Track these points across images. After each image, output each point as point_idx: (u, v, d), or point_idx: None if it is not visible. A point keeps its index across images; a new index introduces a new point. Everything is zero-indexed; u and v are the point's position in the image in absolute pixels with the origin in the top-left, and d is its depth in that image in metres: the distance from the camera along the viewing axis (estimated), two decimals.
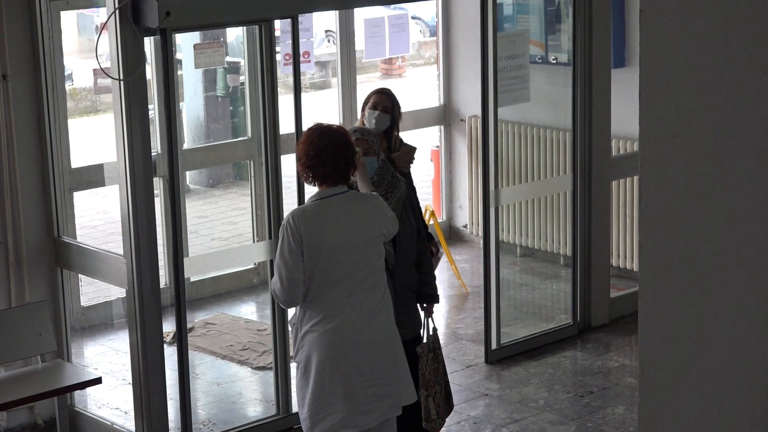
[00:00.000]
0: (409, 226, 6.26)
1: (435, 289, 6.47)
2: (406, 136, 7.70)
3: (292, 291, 5.46)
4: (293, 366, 6.03)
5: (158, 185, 8.69)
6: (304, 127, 6.01)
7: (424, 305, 6.43)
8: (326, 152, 5.49)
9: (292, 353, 5.85)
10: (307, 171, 5.55)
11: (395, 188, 6.25)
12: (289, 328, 5.86)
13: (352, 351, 5.49)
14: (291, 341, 5.79)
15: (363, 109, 7.27)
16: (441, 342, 8.67)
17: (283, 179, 7.20)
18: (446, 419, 6.48)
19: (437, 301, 6.51)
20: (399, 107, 7.32)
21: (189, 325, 8.29)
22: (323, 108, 13.68)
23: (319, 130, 5.59)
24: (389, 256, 6.07)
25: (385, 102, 7.20)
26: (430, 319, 6.45)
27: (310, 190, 5.75)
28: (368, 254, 5.56)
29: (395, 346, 5.67)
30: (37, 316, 6.94)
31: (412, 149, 7.25)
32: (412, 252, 6.28)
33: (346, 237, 5.49)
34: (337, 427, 5.49)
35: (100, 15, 12.37)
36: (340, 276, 5.48)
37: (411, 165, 7.22)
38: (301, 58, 7.63)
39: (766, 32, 2.46)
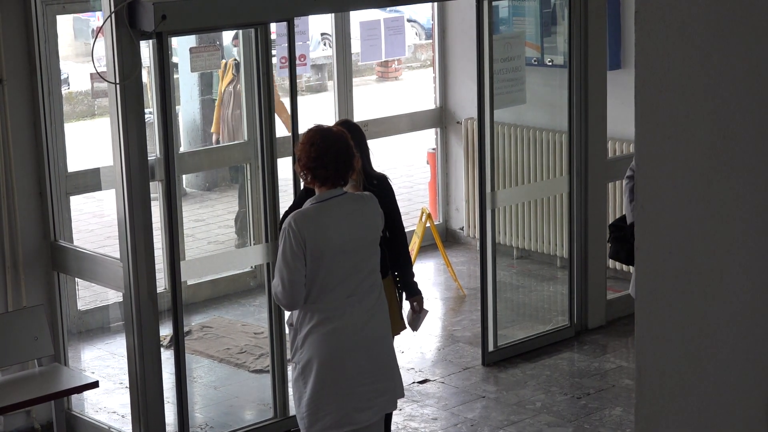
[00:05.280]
0: None
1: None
2: (403, 139, 7.64)
3: (294, 294, 5.47)
4: (290, 368, 6.03)
5: (155, 189, 8.70)
6: (301, 130, 6.00)
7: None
8: (328, 155, 5.50)
9: (290, 354, 5.86)
10: (307, 172, 5.55)
11: None
12: (287, 329, 5.86)
13: (353, 350, 5.53)
14: (288, 342, 5.80)
15: None
16: (438, 344, 8.70)
17: (280, 182, 7.21)
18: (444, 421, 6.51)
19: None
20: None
21: (186, 329, 8.30)
22: (319, 111, 13.67)
23: (321, 132, 5.59)
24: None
25: None
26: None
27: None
28: (367, 254, 5.59)
29: (390, 343, 5.76)
30: (34, 320, 6.94)
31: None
32: None
33: (347, 238, 5.51)
34: (336, 424, 5.52)
35: (96, 19, 12.36)
36: (341, 277, 5.50)
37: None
38: (297, 62, 7.63)
39: (761, 33, 2.46)
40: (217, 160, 10.02)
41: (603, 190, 8.84)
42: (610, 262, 8.99)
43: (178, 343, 6.84)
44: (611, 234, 7.51)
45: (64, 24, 14.97)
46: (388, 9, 14.68)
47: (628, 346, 8.51)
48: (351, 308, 5.54)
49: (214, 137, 10.30)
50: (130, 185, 6.53)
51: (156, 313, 6.73)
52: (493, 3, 8.09)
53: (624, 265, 9.46)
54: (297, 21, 7.80)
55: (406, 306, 6.54)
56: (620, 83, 9.09)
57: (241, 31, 8.26)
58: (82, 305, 9.05)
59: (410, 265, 6.57)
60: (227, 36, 10.82)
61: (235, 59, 9.80)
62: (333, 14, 10.06)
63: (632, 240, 7.81)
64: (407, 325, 6.51)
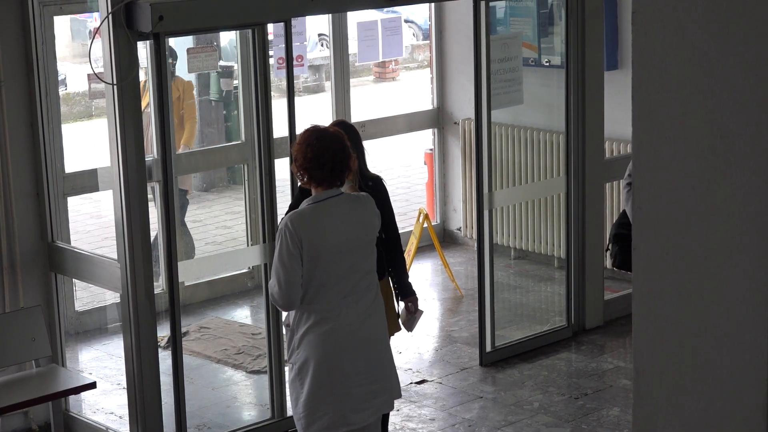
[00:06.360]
0: None
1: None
2: (400, 140, 7.65)
3: (290, 294, 5.47)
4: (287, 369, 6.03)
5: (152, 190, 8.68)
6: (298, 131, 6.00)
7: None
8: (324, 155, 5.50)
9: (286, 355, 5.86)
10: (303, 173, 5.56)
11: None
12: (284, 330, 5.86)
13: (349, 350, 5.53)
14: (285, 343, 5.80)
15: None
16: (436, 344, 8.70)
17: (277, 183, 7.20)
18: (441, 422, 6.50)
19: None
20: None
21: (183, 330, 8.29)
22: (317, 112, 13.67)
23: (317, 132, 5.59)
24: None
25: None
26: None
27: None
28: (364, 255, 5.59)
29: (387, 343, 5.76)
30: (32, 321, 6.94)
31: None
32: None
33: (343, 239, 5.51)
34: (333, 425, 5.52)
35: (94, 20, 12.36)
36: (337, 277, 5.50)
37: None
38: (295, 62, 7.63)
39: (759, 32, 2.46)
40: (214, 160, 10.02)
41: (600, 191, 8.84)
42: (608, 263, 8.98)
43: (175, 343, 6.83)
44: (617, 244, 7.39)
45: (62, 25, 14.96)
46: (386, 10, 14.67)
47: (626, 347, 8.51)
48: (347, 309, 5.54)
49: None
50: (127, 186, 6.52)
51: (153, 314, 6.73)
52: (491, 3, 8.09)
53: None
54: (294, 22, 7.80)
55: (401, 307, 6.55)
56: (617, 84, 9.10)
57: (237, 32, 8.26)
58: (79, 306, 9.04)
59: (405, 266, 6.58)
60: (225, 37, 10.81)
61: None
62: (330, 15, 10.06)
63: None
64: (401, 325, 6.51)
